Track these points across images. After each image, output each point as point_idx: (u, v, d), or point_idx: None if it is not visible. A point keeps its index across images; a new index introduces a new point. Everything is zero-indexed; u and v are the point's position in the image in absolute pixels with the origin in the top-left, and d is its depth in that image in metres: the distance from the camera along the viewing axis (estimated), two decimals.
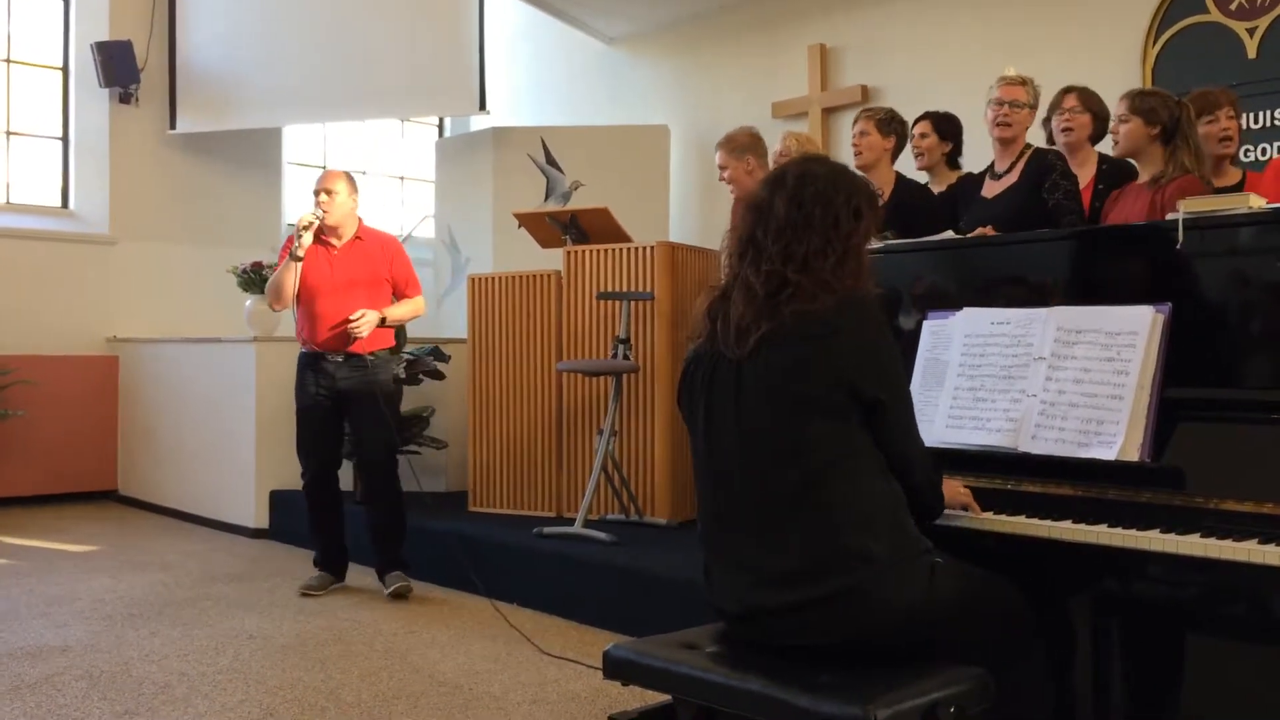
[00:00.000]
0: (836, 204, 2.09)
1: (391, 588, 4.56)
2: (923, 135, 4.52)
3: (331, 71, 7.63)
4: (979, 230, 3.48)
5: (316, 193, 4.54)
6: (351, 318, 4.43)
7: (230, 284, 6.59)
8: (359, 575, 4.81)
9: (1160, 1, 5.47)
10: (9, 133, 7.54)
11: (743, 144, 4.84)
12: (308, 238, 4.47)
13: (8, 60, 7.52)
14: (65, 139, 7.73)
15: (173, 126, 7.71)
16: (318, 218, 4.47)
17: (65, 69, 7.72)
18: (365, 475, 4.64)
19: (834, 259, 2.06)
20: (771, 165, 4.81)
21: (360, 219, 4.67)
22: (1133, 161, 3.79)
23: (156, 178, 7.73)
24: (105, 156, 7.59)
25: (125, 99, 7.58)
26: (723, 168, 4.87)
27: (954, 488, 2.26)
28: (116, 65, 7.42)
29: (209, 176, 7.95)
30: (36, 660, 3.64)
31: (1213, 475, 2.10)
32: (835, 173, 2.15)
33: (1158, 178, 3.60)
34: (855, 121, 4.41)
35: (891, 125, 4.37)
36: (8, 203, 7.50)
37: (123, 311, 7.54)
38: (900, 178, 4.41)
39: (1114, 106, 3.78)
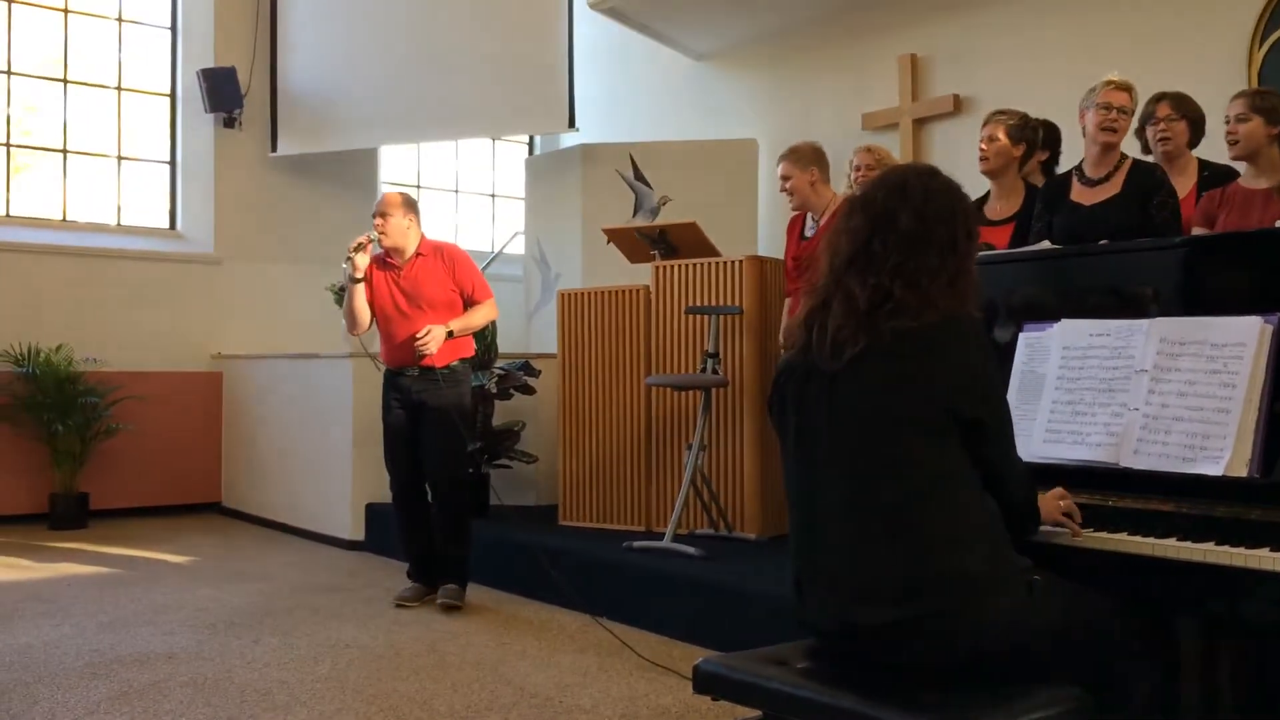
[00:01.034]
0: (956, 223, 2.07)
1: (441, 600, 4.61)
2: (992, 138, 4.36)
3: (424, 93, 7.79)
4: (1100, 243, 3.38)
5: (373, 216, 4.67)
6: (418, 335, 4.49)
7: (328, 301, 6.75)
8: None
9: (1267, 3, 5.28)
10: (120, 157, 7.85)
11: (807, 156, 4.79)
12: (361, 259, 4.60)
13: (119, 88, 7.84)
14: (173, 162, 8.03)
15: (274, 149, 7.95)
16: (370, 239, 4.60)
17: (173, 95, 8.02)
18: (431, 485, 4.70)
19: (945, 279, 2.02)
20: (853, 180, 4.77)
21: (422, 234, 4.75)
22: (1235, 167, 3.67)
23: (259, 199, 7.98)
24: (210, 179, 7.86)
25: (229, 123, 7.85)
26: (786, 178, 4.81)
27: (1051, 502, 2.20)
28: (221, 91, 7.69)
29: (308, 197, 8.18)
30: (144, 667, 3.76)
31: None
32: (953, 191, 2.12)
33: None
34: (984, 124, 4.25)
35: (1023, 132, 4.17)
36: (119, 224, 7.81)
37: (227, 328, 7.79)
38: (1030, 187, 4.24)
39: (1216, 111, 3.67)
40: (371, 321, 4.70)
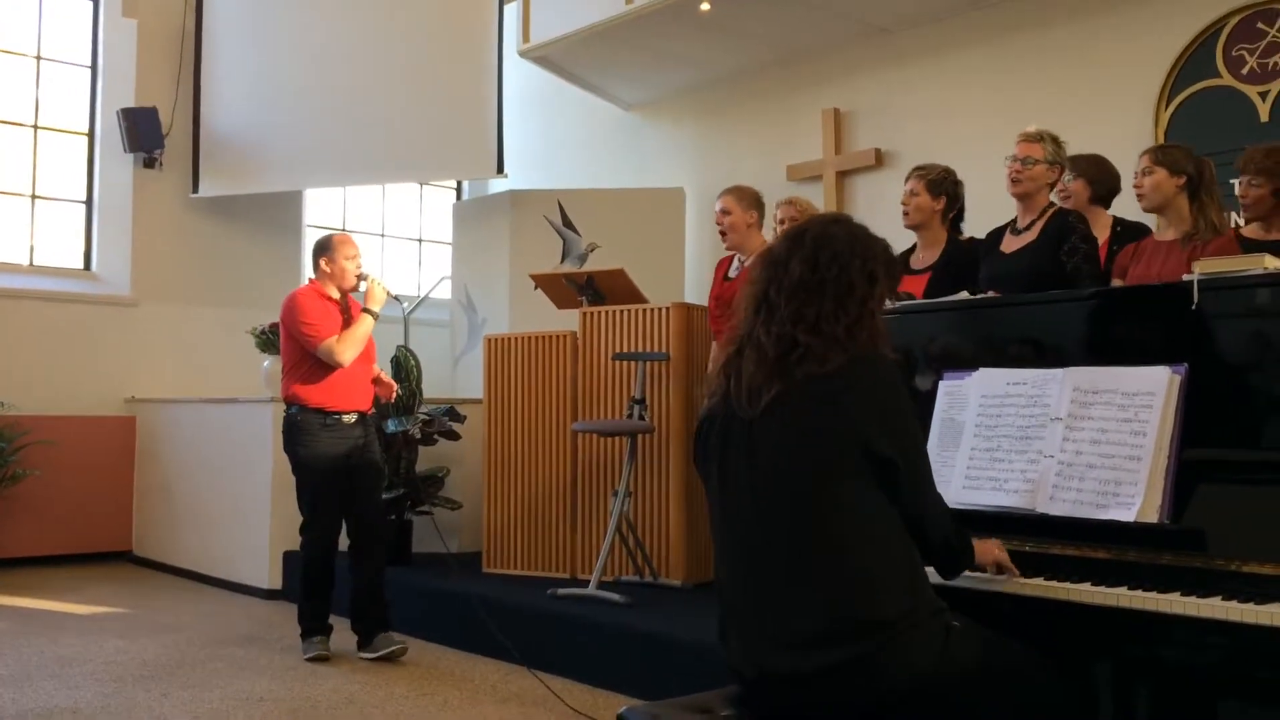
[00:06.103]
0: (852, 269, 2.09)
1: (387, 649, 4.48)
2: (913, 193, 4.45)
3: (351, 136, 7.74)
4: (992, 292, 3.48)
5: (349, 259, 4.61)
6: (383, 379, 4.66)
7: (249, 345, 6.63)
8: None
9: (1172, 65, 5.51)
10: (34, 196, 7.65)
11: (750, 198, 4.92)
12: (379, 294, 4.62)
13: (35, 126, 7.67)
14: (89, 202, 7.84)
15: (195, 190, 7.82)
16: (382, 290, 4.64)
17: (91, 134, 7.86)
18: (367, 530, 4.58)
19: (846, 323, 2.05)
20: (777, 231, 4.84)
21: None
22: (1146, 223, 3.80)
23: (178, 240, 7.82)
24: (128, 219, 7.68)
25: (149, 164, 7.70)
26: (726, 212, 4.87)
27: (988, 548, 2.24)
28: (141, 131, 7.55)
29: (230, 239, 8.04)
30: None
31: (1234, 537, 2.08)
32: (854, 236, 2.15)
33: (1190, 235, 3.60)
34: (906, 180, 4.37)
35: (943, 186, 4.31)
36: (31, 265, 7.60)
37: (142, 372, 7.59)
38: (952, 237, 4.37)
39: (1126, 167, 3.80)
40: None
